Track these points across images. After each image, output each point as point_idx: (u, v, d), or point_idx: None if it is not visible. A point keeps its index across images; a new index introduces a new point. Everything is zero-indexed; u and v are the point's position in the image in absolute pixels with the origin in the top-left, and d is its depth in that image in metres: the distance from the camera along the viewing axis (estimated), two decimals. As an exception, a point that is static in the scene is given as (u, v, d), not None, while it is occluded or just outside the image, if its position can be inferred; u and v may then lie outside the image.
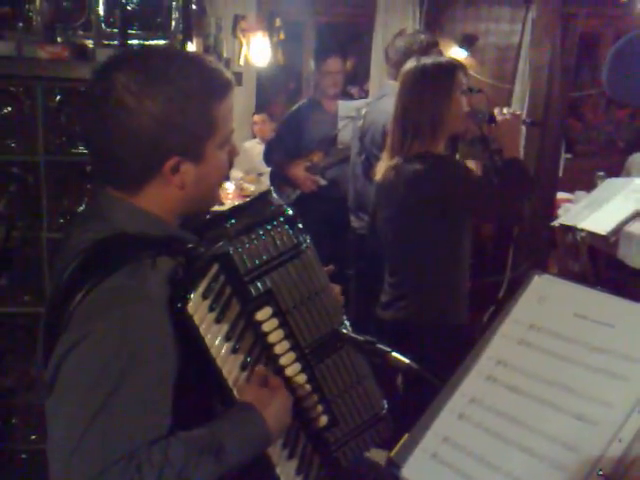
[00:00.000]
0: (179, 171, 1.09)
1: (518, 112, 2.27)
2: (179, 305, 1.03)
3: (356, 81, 5.66)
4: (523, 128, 4.06)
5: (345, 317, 1.29)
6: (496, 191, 2.14)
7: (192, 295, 1.04)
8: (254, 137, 5.23)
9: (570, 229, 2.66)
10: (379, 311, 2.29)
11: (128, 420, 0.96)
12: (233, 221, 1.19)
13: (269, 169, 4.03)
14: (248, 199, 1.37)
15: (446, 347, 2.08)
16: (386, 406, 1.35)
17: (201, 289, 1.06)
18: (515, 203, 2.11)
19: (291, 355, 1.19)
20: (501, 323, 1.02)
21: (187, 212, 1.17)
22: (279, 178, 3.75)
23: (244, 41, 4.35)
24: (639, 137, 5.89)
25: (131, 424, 0.96)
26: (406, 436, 0.97)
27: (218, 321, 1.08)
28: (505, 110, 2.21)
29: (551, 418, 0.90)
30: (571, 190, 4.35)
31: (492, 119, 2.21)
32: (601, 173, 4.11)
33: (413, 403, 1.34)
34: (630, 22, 4.23)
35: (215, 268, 1.08)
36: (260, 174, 4.70)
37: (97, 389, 0.95)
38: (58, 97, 2.04)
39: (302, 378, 1.21)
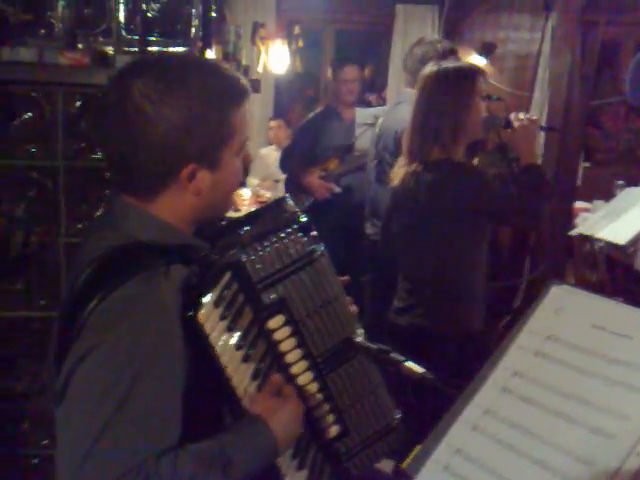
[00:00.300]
0: (195, 178, 1.09)
1: (534, 117, 2.25)
2: (190, 313, 1.03)
3: (374, 89, 5.66)
4: (541, 133, 4.03)
5: (359, 325, 1.29)
6: (515, 197, 2.12)
7: (203, 303, 1.04)
8: (270, 144, 5.25)
9: (588, 239, 2.64)
10: (392, 315, 2.27)
11: (138, 431, 0.95)
12: (247, 228, 1.18)
13: (285, 176, 4.04)
14: (262, 206, 1.37)
15: (461, 354, 2.07)
16: (398, 416, 1.34)
17: (213, 297, 1.05)
18: (534, 209, 2.09)
19: (303, 364, 1.18)
20: (517, 334, 1.00)
21: (201, 219, 1.17)
22: (294, 185, 3.76)
23: (263, 49, 4.37)
24: (659, 146, 5.81)
25: (141, 434, 0.95)
26: (418, 447, 0.96)
27: (229, 329, 1.08)
28: (521, 115, 2.19)
29: (567, 431, 0.88)
30: (589, 199, 4.30)
31: (509, 124, 2.19)
32: (620, 182, 4.06)
33: (422, 412, 1.33)
34: (651, 31, 4.19)
35: (227, 276, 1.08)
36: (276, 180, 4.72)
37: (108, 399, 0.94)
38: (78, 103, 2.07)
39: (313, 387, 1.20)
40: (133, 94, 1.04)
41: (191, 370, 1.03)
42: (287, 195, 1.30)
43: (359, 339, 1.23)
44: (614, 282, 2.55)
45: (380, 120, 3.17)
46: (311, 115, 3.93)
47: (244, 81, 1.13)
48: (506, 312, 2.98)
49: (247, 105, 1.13)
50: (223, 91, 1.09)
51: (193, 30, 2.19)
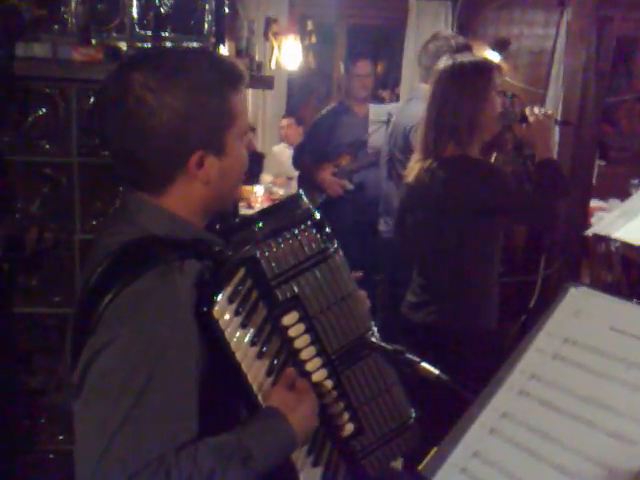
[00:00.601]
0: (204, 165, 1.10)
1: (550, 111, 2.22)
2: (205, 309, 1.03)
3: (387, 84, 5.64)
4: (556, 129, 4.00)
5: (373, 323, 1.28)
6: (530, 194, 2.10)
7: (218, 299, 1.04)
8: (282, 141, 5.25)
9: (603, 239, 2.61)
10: (405, 310, 2.26)
11: (155, 425, 0.95)
12: (261, 224, 1.18)
13: (298, 173, 4.04)
14: (276, 203, 1.37)
15: (476, 353, 2.06)
16: (414, 415, 1.33)
17: (227, 293, 1.05)
18: (549, 205, 2.06)
19: (317, 361, 1.18)
20: (535, 336, 0.99)
21: (211, 211, 1.17)
22: (307, 182, 3.75)
23: (276, 44, 4.36)
24: (676, 144, 5.74)
25: (159, 429, 0.95)
26: (435, 449, 0.95)
27: (244, 325, 1.08)
28: (537, 109, 2.16)
29: (585, 435, 0.87)
30: (604, 198, 4.26)
31: (524, 119, 2.16)
32: (635, 181, 4.03)
33: (435, 413, 1.32)
34: (668, 26, 4.14)
35: (242, 272, 1.07)
36: (289, 178, 4.72)
37: (125, 394, 0.94)
38: (92, 99, 2.06)
39: (328, 384, 1.19)
40: (133, 87, 1.04)
41: (206, 366, 1.03)
42: (301, 192, 1.30)
43: (374, 338, 1.22)
44: (630, 283, 2.52)
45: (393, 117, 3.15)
46: (324, 111, 3.91)
47: (241, 66, 1.14)
48: (521, 311, 2.95)
49: (245, 89, 1.15)
50: (221, 76, 1.10)
51: (206, 26, 2.19)
